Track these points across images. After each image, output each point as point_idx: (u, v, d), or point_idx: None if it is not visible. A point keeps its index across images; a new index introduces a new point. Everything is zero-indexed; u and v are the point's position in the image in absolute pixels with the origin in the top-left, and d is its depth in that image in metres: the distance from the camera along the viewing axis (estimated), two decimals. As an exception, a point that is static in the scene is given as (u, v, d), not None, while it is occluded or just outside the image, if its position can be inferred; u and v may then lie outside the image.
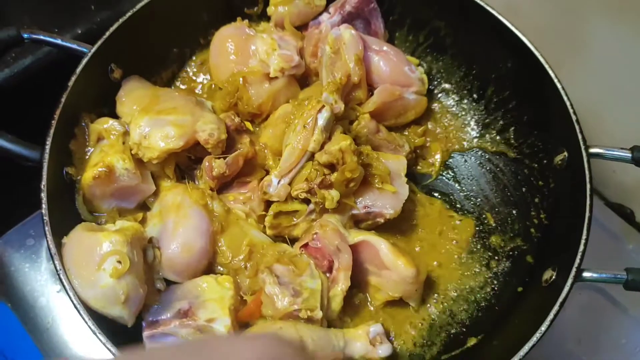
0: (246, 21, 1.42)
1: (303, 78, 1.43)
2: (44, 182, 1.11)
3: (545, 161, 1.33)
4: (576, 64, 1.53)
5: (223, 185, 1.29)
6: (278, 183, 1.21)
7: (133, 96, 1.32)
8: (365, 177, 1.22)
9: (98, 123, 1.24)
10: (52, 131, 1.16)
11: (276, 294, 1.11)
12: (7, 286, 1.39)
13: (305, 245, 1.19)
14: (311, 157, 1.20)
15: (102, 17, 1.43)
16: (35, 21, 1.40)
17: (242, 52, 1.37)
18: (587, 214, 1.13)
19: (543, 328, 1.03)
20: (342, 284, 1.15)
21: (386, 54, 1.38)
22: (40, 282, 1.40)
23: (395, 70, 1.38)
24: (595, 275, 1.10)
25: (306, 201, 1.23)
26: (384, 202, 1.24)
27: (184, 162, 1.29)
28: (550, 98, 1.26)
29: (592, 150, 1.19)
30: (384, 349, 1.14)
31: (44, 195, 1.10)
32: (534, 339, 1.02)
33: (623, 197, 1.71)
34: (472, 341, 1.21)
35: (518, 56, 1.31)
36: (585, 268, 1.10)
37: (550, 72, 1.25)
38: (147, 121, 1.20)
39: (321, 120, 1.17)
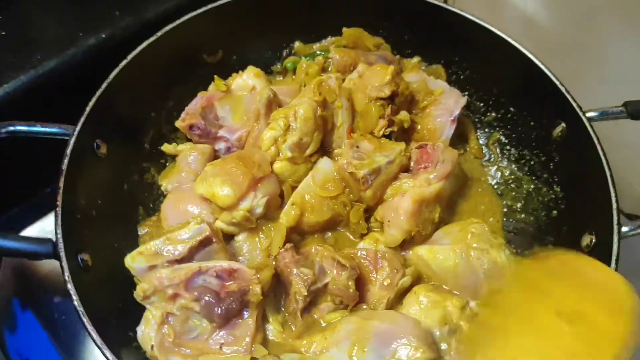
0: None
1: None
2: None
3: (543, 136, 1.37)
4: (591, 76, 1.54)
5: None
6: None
7: None
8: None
9: None
10: (59, 219, 1.09)
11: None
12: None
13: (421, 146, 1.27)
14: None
15: (127, 22, 1.42)
16: (62, 25, 1.41)
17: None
18: (608, 172, 1.16)
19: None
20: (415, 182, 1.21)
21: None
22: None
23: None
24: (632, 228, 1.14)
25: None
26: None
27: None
28: (532, 76, 1.32)
29: (587, 114, 1.24)
30: None
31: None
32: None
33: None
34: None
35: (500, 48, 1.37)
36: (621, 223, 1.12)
37: (530, 56, 1.31)
38: None
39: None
